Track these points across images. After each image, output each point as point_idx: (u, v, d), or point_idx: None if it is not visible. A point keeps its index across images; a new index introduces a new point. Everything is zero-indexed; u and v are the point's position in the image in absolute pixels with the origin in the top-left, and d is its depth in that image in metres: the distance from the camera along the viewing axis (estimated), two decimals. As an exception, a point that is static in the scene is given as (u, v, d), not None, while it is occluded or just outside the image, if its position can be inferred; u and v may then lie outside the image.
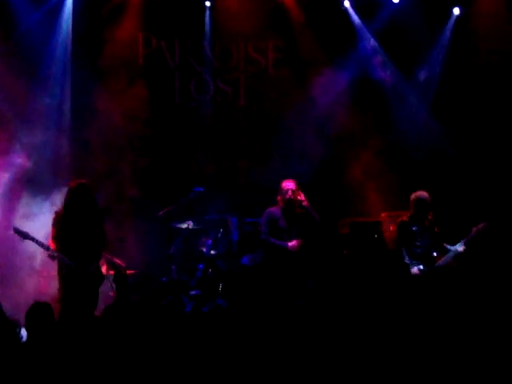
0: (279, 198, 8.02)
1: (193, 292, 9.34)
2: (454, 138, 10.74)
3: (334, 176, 10.76)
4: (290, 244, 7.88)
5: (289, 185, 7.97)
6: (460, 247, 8.07)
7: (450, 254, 8.11)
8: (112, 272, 9.14)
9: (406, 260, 8.07)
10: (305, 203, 7.97)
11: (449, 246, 8.13)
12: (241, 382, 5.01)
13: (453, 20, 11.01)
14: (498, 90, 10.56)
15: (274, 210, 8.04)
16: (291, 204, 7.93)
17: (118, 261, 9.37)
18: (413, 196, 8.26)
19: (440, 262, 8.13)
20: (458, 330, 6.23)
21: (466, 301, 7.88)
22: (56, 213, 7.47)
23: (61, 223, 7.36)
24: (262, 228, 8.10)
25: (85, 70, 10.30)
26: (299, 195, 7.99)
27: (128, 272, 9.08)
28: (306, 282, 8.01)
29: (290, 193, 7.91)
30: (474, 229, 8.11)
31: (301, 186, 8.17)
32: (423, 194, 8.23)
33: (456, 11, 11.04)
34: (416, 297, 7.92)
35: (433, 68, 11.04)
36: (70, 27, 10.32)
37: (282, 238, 7.98)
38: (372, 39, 11.04)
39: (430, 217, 8.20)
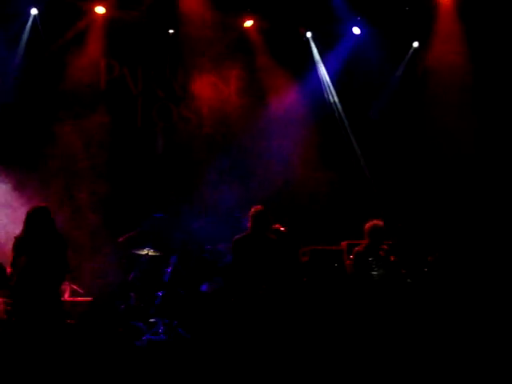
0: (250, 225, 7.63)
1: (152, 319, 9.23)
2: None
3: (295, 202, 10.81)
4: None
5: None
6: None
7: None
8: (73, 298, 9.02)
9: None
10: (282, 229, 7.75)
11: None
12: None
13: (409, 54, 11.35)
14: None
15: (243, 238, 7.63)
16: (263, 232, 7.59)
17: (75, 287, 9.26)
18: (367, 225, 8.13)
19: None
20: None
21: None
22: (15, 238, 7.16)
23: (20, 248, 7.10)
24: (233, 260, 7.64)
25: (46, 94, 10.25)
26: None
27: (86, 299, 8.99)
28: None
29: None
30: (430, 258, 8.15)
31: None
32: (377, 223, 8.11)
33: (415, 44, 11.39)
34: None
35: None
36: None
37: (250, 268, 7.64)
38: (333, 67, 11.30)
39: (385, 246, 8.09)
